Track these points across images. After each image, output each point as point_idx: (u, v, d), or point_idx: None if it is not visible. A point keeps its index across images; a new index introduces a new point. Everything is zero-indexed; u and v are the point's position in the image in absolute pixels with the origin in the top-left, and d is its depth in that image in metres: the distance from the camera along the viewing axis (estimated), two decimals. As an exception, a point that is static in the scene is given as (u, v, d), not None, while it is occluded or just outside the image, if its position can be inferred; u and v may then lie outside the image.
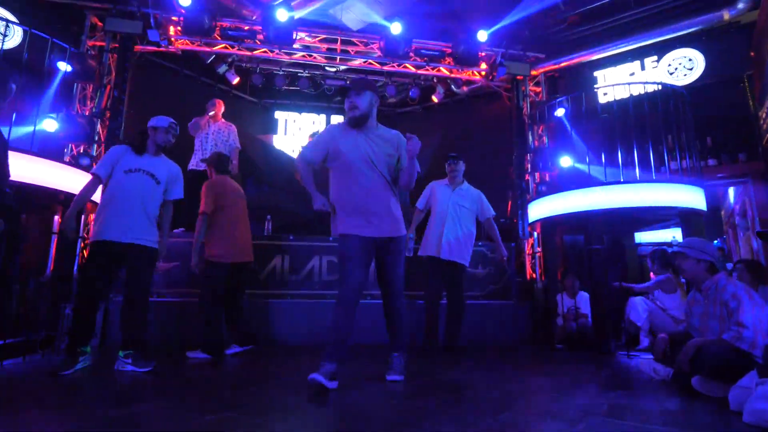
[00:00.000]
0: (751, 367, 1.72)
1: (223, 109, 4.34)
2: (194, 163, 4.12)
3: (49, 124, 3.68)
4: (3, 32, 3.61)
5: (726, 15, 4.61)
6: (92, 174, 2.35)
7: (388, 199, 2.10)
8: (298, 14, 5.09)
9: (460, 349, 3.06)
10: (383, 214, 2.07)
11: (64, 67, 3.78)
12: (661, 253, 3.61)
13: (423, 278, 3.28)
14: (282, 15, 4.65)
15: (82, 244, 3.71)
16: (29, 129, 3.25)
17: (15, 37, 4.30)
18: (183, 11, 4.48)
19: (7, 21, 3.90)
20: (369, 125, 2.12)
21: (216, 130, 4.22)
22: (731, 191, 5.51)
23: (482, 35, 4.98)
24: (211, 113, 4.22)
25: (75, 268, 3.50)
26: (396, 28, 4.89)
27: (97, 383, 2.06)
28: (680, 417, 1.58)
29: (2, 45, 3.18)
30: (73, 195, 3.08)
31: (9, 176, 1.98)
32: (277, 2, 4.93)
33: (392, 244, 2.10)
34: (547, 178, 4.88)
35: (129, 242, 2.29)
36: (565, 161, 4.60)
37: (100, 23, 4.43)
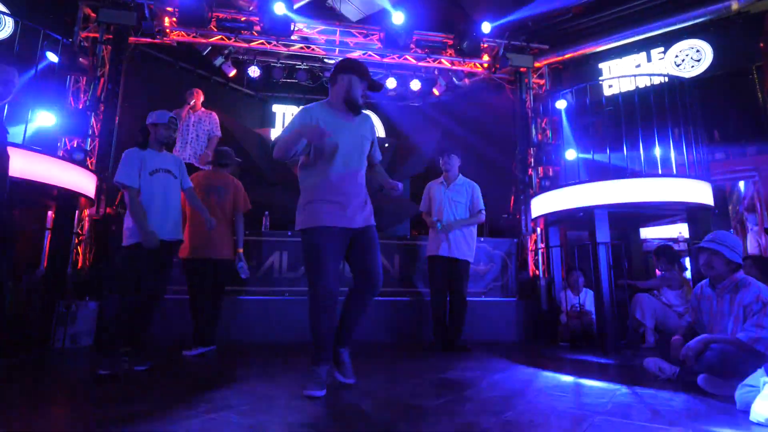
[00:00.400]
0: (758, 365, 1.70)
1: (202, 98, 4.22)
2: (181, 156, 4.02)
3: (47, 118, 3.61)
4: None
5: (735, 5, 4.49)
6: (127, 187, 2.28)
7: (364, 187, 1.98)
8: (296, 5, 4.99)
9: (461, 347, 3.03)
10: (363, 204, 1.95)
11: (52, 58, 3.70)
12: (667, 248, 3.54)
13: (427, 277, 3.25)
14: (279, 6, 4.56)
15: (76, 240, 3.66)
16: (21, 124, 3.18)
17: (6, 28, 4.22)
18: (178, 1, 4.39)
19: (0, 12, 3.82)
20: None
21: (196, 120, 4.11)
22: (740, 185, 5.43)
23: (485, 27, 4.88)
24: (192, 103, 4.10)
25: (69, 266, 3.46)
26: (397, 18, 4.79)
27: (94, 382, 2.02)
28: (686, 416, 1.56)
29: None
30: (67, 189, 3.04)
31: (7, 190, 1.99)
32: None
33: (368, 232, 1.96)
34: (551, 173, 4.81)
35: (170, 239, 2.37)
36: (570, 155, 4.52)
37: (93, 14, 4.34)
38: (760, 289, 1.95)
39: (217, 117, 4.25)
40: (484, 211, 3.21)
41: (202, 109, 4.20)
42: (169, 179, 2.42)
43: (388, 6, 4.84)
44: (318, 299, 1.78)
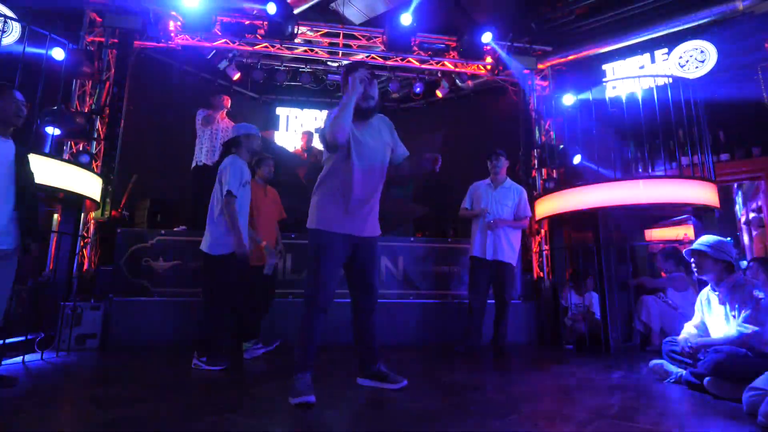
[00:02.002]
0: (765, 368, 1.69)
1: (229, 103, 4.33)
2: (204, 158, 4.06)
3: (51, 130, 3.65)
4: (1, 28, 3.59)
5: (740, 5, 4.46)
6: (234, 197, 2.37)
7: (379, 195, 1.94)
8: (300, 8, 5.02)
9: (501, 349, 3.01)
10: (373, 212, 1.91)
11: (59, 55, 3.73)
12: (674, 250, 3.51)
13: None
14: (280, 10, 4.56)
15: (81, 243, 3.69)
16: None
17: (14, 33, 4.27)
18: (182, 6, 4.43)
19: (6, 17, 3.87)
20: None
21: (225, 128, 4.20)
22: (744, 186, 5.39)
23: (486, 37, 4.88)
24: (228, 108, 4.21)
25: (75, 267, 3.49)
26: (399, 21, 4.80)
27: (100, 384, 2.04)
28: (693, 419, 1.55)
29: (0, 41, 3.14)
30: (72, 192, 3.07)
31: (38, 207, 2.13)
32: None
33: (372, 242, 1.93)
34: (555, 174, 4.79)
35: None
36: (574, 157, 4.50)
37: (99, 19, 4.39)
38: (754, 286, 2.00)
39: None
40: (529, 218, 3.17)
41: (227, 118, 4.30)
42: (248, 190, 2.55)
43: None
44: (312, 303, 1.74)
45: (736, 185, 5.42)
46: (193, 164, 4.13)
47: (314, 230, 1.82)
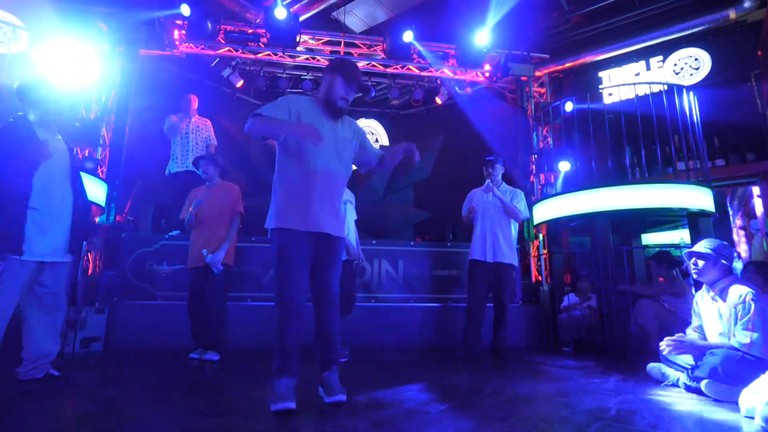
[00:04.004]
0: (762, 371, 1.69)
1: (197, 104, 4.14)
2: (179, 165, 3.89)
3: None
4: (10, 37, 3.65)
5: (732, 14, 4.56)
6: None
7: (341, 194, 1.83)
8: (302, 17, 5.10)
9: (500, 352, 3.01)
10: (334, 211, 1.78)
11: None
12: (665, 254, 3.55)
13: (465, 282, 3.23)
14: (281, 13, 4.62)
15: (86, 247, 3.73)
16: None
17: (21, 42, 4.34)
18: (187, 15, 4.51)
19: (14, 26, 3.94)
20: None
21: (194, 128, 3.99)
22: (739, 191, 5.44)
23: (483, 38, 4.97)
24: (192, 110, 4.03)
25: (79, 271, 3.52)
26: (399, 30, 4.89)
27: (104, 386, 2.06)
28: (690, 422, 1.56)
29: (9, 49, 3.21)
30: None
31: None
32: (280, 5, 4.95)
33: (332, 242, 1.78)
34: (552, 180, 4.85)
35: None
36: (571, 163, 4.56)
37: (105, 27, 4.47)
38: (747, 289, 1.98)
39: (210, 123, 4.18)
40: (524, 214, 3.14)
41: (197, 116, 4.11)
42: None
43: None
44: (282, 306, 1.64)
45: (730, 191, 5.47)
46: (166, 171, 3.99)
47: (274, 229, 1.74)
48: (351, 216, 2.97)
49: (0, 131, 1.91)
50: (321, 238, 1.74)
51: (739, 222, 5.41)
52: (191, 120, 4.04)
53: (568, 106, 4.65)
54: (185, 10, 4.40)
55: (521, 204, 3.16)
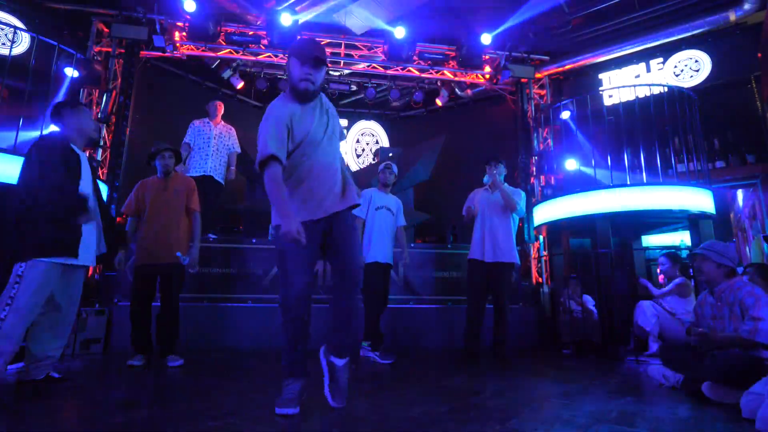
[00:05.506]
0: (764, 372, 1.70)
1: (223, 111, 4.15)
2: (195, 169, 3.84)
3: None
4: (11, 39, 3.67)
5: (732, 16, 4.57)
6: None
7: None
8: (302, 19, 5.12)
9: (500, 353, 2.97)
10: (333, 187, 1.73)
11: (70, 72, 3.82)
12: (677, 255, 3.54)
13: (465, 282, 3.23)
14: (286, 19, 4.68)
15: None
16: (36, 133, 3.28)
17: (23, 44, 4.36)
18: (188, 17, 4.53)
19: (15, 28, 3.95)
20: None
21: (218, 134, 3.98)
22: (740, 193, 5.45)
23: (485, 38, 4.98)
24: (218, 116, 4.04)
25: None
26: (400, 32, 4.91)
27: (103, 388, 2.06)
28: (691, 424, 1.55)
29: (11, 51, 3.22)
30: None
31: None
32: (281, 7, 4.96)
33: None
34: (553, 181, 4.85)
35: None
36: (571, 164, 4.57)
37: (106, 29, 4.48)
38: (753, 287, 2.04)
39: (235, 132, 4.14)
40: (521, 211, 3.11)
41: (222, 122, 4.07)
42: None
43: (386, 26, 4.94)
44: (285, 304, 1.59)
45: (731, 192, 5.48)
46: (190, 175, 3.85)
47: (276, 226, 1.69)
48: (388, 221, 3.19)
49: (46, 144, 1.98)
50: (330, 219, 1.68)
51: (739, 223, 5.41)
52: (215, 125, 4.00)
53: (565, 115, 4.67)
54: (189, 5, 4.40)
55: (521, 203, 3.17)
